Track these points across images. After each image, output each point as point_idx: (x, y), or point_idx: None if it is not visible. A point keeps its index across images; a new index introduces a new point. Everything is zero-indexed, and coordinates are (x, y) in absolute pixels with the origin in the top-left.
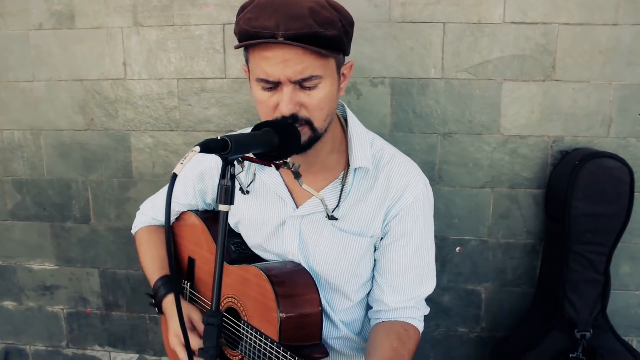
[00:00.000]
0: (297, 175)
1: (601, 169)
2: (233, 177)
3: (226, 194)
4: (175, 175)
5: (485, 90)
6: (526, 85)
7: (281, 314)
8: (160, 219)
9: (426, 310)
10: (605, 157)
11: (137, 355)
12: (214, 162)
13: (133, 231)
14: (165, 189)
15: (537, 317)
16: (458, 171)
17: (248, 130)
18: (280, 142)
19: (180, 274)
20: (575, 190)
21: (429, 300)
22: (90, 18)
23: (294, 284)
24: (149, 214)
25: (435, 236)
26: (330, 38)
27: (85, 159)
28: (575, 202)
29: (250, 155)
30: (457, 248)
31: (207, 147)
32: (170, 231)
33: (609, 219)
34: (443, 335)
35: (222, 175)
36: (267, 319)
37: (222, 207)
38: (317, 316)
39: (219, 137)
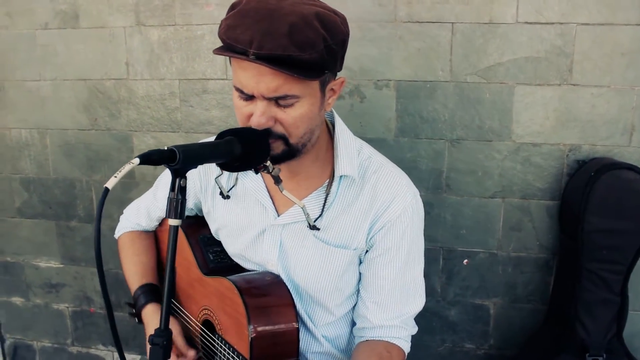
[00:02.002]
0: (277, 180)
1: (619, 181)
2: (183, 190)
3: (175, 207)
4: (107, 190)
5: (496, 94)
6: (540, 90)
7: (251, 330)
8: (143, 224)
9: (414, 329)
10: (624, 169)
11: (139, 357)
12: None
13: (116, 235)
14: (150, 193)
15: (548, 338)
16: (466, 180)
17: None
18: (243, 152)
19: (160, 283)
20: (590, 204)
21: (434, 313)
22: (94, 18)
23: (267, 297)
24: (133, 219)
25: (442, 247)
26: (307, 61)
27: (90, 158)
28: (589, 217)
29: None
30: (465, 260)
31: (149, 158)
32: (100, 248)
33: (626, 236)
34: (449, 350)
35: (172, 188)
36: (239, 335)
37: (172, 222)
38: (293, 332)
39: (166, 148)
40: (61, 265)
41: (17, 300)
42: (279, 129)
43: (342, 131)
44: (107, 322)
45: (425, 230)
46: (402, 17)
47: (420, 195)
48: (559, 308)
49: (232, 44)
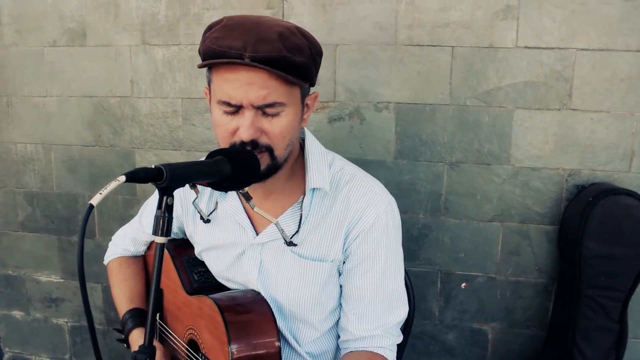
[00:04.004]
0: (247, 197)
1: (617, 207)
2: (170, 208)
3: (162, 225)
4: (91, 207)
5: (496, 118)
6: (540, 114)
7: (231, 347)
8: (131, 249)
9: (399, 338)
10: (622, 195)
11: None
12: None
13: (105, 262)
14: (136, 219)
15: None
16: (465, 203)
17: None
18: (233, 172)
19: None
20: (587, 230)
21: (431, 337)
22: (101, 36)
23: (247, 314)
24: (120, 244)
25: (440, 270)
26: (299, 64)
27: (92, 174)
28: (587, 243)
29: None
30: (463, 284)
31: (136, 176)
32: (82, 263)
33: (625, 262)
34: None
35: (159, 206)
36: (221, 353)
37: (158, 240)
38: (275, 348)
39: (153, 166)
40: (62, 280)
41: (17, 313)
42: (264, 140)
43: (312, 145)
44: (105, 338)
45: (423, 253)
46: (403, 40)
47: (419, 218)
48: (557, 334)
49: (224, 51)
